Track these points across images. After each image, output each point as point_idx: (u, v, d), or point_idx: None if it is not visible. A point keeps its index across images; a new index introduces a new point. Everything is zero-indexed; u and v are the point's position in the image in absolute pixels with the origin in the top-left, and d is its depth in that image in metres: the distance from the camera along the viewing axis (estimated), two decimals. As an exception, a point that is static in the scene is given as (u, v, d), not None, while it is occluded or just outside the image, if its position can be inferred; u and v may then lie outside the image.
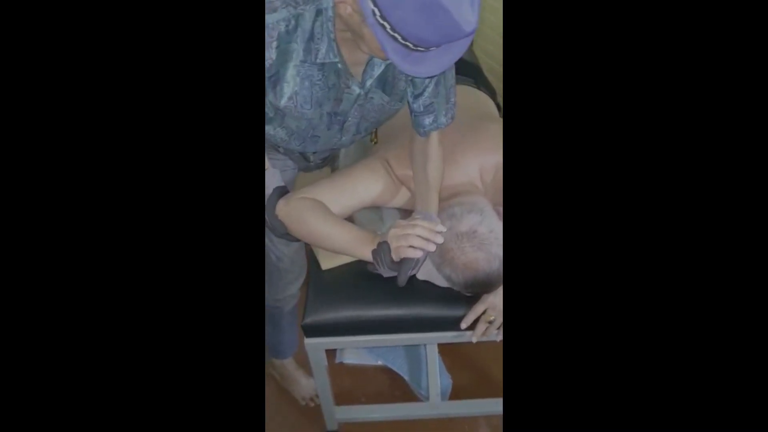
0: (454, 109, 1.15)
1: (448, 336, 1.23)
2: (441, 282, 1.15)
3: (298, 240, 1.18)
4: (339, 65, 0.99)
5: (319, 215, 1.11)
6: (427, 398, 1.55)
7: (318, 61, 0.97)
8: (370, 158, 1.22)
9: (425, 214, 1.08)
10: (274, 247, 1.27)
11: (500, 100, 1.55)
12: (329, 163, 1.35)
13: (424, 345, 1.61)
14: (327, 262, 1.21)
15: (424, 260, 1.06)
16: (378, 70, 1.04)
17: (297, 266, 1.34)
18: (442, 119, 1.14)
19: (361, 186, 1.18)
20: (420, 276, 1.17)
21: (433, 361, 1.56)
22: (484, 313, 1.12)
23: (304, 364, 1.62)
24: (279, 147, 1.20)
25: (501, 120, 1.38)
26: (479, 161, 1.20)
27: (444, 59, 0.88)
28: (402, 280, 1.03)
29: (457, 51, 0.88)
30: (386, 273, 1.06)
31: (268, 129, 1.12)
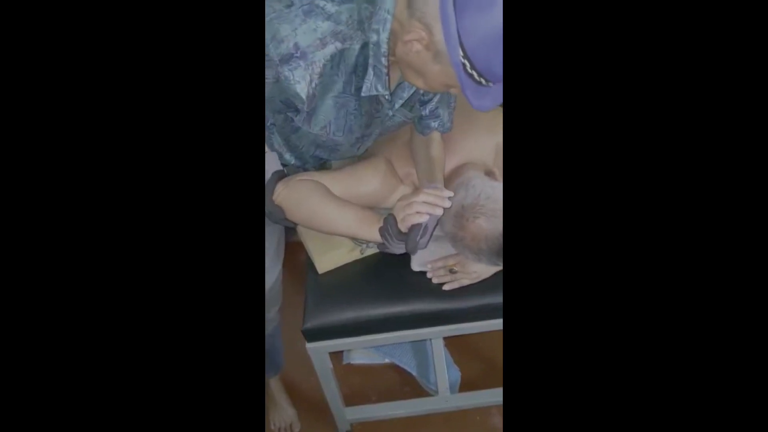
0: (453, 113, 1.17)
1: (449, 329, 1.23)
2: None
3: (296, 225, 1.17)
4: (387, 96, 0.98)
5: (322, 196, 1.10)
6: (437, 392, 1.55)
7: (362, 94, 0.96)
8: (372, 157, 1.22)
9: (431, 185, 1.07)
10: None
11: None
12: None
13: (430, 340, 1.61)
14: (323, 265, 1.21)
15: (434, 228, 1.05)
16: (408, 92, 1.04)
17: (275, 291, 1.34)
18: (448, 124, 1.16)
19: (363, 184, 1.17)
20: (415, 267, 1.17)
21: (440, 354, 1.56)
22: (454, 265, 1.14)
23: (291, 388, 1.64)
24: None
25: None
26: (477, 144, 1.22)
27: (500, 92, 0.90)
28: (411, 248, 1.03)
29: None
30: (397, 249, 1.05)
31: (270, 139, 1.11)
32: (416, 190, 1.18)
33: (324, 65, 0.90)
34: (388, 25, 0.89)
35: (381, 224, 1.05)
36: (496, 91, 0.90)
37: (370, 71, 0.94)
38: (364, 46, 0.92)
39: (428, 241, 1.06)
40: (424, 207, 1.00)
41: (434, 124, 1.14)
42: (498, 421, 1.57)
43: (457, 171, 1.18)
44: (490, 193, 1.06)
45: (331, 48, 0.90)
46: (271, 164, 1.16)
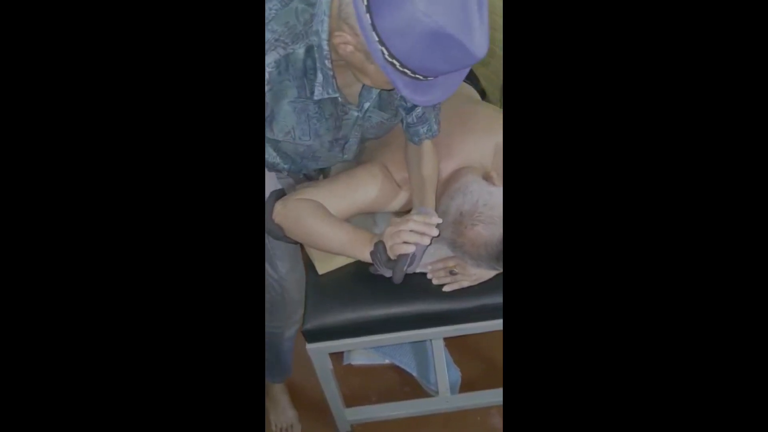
0: (439, 115, 1.17)
1: (450, 330, 1.23)
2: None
3: (295, 242, 1.18)
4: (339, 99, 0.98)
5: (318, 216, 1.11)
6: (437, 393, 1.55)
7: (315, 98, 0.96)
8: (369, 163, 1.22)
9: (421, 209, 1.07)
10: (281, 279, 1.26)
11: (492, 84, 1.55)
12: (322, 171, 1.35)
13: (430, 340, 1.61)
14: (323, 266, 1.21)
15: (422, 256, 1.05)
16: (375, 92, 1.03)
17: (301, 294, 1.33)
18: (435, 126, 1.15)
19: (361, 190, 1.17)
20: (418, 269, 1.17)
21: (440, 355, 1.56)
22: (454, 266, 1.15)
23: (291, 389, 1.64)
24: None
25: (484, 103, 1.39)
26: (475, 146, 1.21)
27: (450, 83, 0.89)
28: (397, 278, 1.03)
29: (463, 73, 0.89)
30: (386, 273, 1.06)
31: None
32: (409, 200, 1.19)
33: (270, 72, 0.91)
34: (326, 27, 0.89)
35: (372, 248, 1.05)
36: (445, 82, 0.88)
37: (320, 75, 0.94)
38: (309, 49, 0.92)
39: (416, 268, 1.07)
40: (412, 237, 1.00)
41: (423, 129, 1.13)
42: (498, 421, 1.57)
43: (455, 176, 1.17)
44: (488, 199, 1.06)
45: (273, 55, 0.90)
46: (269, 183, 1.17)
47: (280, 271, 1.25)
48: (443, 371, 1.55)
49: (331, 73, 0.93)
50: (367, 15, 0.80)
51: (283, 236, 1.14)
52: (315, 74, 0.94)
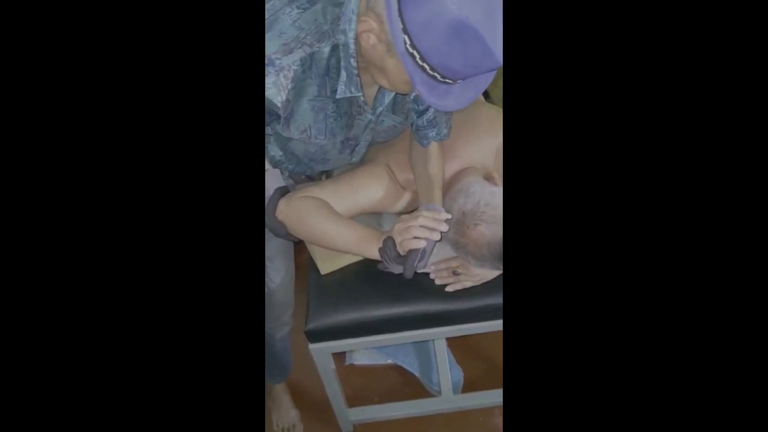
0: (451, 120, 1.17)
1: (453, 330, 1.23)
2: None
3: (299, 240, 1.18)
4: (361, 98, 0.99)
5: (323, 214, 1.11)
6: (440, 393, 1.55)
7: (337, 96, 0.96)
8: (372, 164, 1.22)
9: (429, 206, 1.08)
10: (269, 281, 1.27)
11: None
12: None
13: (432, 340, 1.61)
14: (326, 266, 1.21)
15: (431, 251, 1.06)
16: (389, 97, 1.04)
17: (289, 295, 1.34)
18: (444, 131, 1.16)
19: (363, 192, 1.18)
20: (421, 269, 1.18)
21: (443, 355, 1.56)
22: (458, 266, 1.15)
23: (293, 390, 1.64)
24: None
25: (487, 104, 1.39)
26: (478, 147, 1.21)
27: (467, 94, 0.89)
28: (408, 273, 1.03)
29: (481, 85, 0.89)
30: (396, 269, 1.06)
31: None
32: (415, 198, 1.19)
33: (295, 70, 0.91)
34: (354, 25, 0.89)
35: (380, 244, 1.06)
36: (461, 92, 0.88)
37: (343, 73, 0.94)
38: (334, 48, 0.92)
39: (426, 264, 1.07)
40: (422, 232, 1.00)
41: (432, 133, 1.14)
42: (501, 421, 1.57)
43: (457, 176, 1.17)
44: (490, 199, 1.06)
45: (298, 53, 0.90)
46: (273, 181, 1.17)
47: (270, 273, 1.26)
48: (446, 371, 1.55)
49: (356, 71, 0.93)
50: (396, 1, 0.80)
51: (285, 234, 1.14)
52: (338, 73, 0.94)
